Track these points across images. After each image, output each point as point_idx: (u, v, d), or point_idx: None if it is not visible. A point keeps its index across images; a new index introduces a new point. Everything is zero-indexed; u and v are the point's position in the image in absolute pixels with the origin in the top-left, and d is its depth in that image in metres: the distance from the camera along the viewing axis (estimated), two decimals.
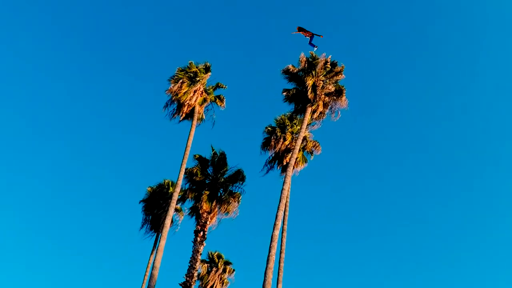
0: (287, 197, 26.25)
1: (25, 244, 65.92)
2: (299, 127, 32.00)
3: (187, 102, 28.80)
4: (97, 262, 65.47)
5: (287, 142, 31.47)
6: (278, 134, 31.61)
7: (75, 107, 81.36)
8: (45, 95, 79.58)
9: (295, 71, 29.03)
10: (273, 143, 31.48)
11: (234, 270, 38.88)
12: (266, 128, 32.28)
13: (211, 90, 30.52)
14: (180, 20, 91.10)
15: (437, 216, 77.20)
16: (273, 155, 31.89)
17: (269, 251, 22.46)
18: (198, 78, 29.78)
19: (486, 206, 74.71)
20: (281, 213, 23.94)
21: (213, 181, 30.53)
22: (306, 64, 28.81)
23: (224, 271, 38.29)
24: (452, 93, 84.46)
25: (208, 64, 30.49)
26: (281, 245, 26.57)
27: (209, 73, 30.37)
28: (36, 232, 67.93)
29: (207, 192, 29.38)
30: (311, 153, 32.46)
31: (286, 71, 29.17)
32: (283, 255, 26.50)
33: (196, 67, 30.31)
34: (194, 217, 29.44)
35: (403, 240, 74.30)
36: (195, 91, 29.14)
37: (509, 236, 68.96)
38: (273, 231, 23.19)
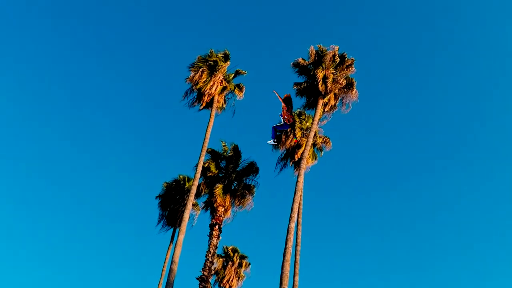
0: (301, 190, 26.16)
1: (45, 242, 66.56)
2: (308, 124, 32.00)
3: (207, 91, 28.46)
4: (114, 258, 65.88)
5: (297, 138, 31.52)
6: (288, 130, 31.63)
7: (90, 102, 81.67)
8: (60, 89, 79.91)
9: (305, 64, 29.01)
10: (283, 139, 31.53)
11: (250, 263, 38.77)
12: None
13: (231, 78, 30.21)
14: (195, 8, 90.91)
15: (448, 209, 76.63)
16: (284, 152, 31.97)
17: (286, 244, 22.40)
18: (218, 67, 29.44)
19: (493, 205, 74.29)
20: (296, 205, 23.90)
21: (226, 174, 30.36)
22: (316, 57, 28.78)
23: (240, 265, 38.16)
24: (464, 86, 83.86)
25: (227, 52, 30.10)
26: (296, 238, 26.55)
27: (229, 62, 30.05)
28: (54, 230, 68.61)
29: (221, 186, 29.16)
30: (321, 149, 32.50)
31: (296, 65, 29.19)
32: (299, 248, 26.48)
33: (216, 55, 29.93)
34: (209, 211, 29.31)
35: (414, 236, 74.14)
36: (215, 81, 28.78)
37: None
38: (289, 224, 23.13)
